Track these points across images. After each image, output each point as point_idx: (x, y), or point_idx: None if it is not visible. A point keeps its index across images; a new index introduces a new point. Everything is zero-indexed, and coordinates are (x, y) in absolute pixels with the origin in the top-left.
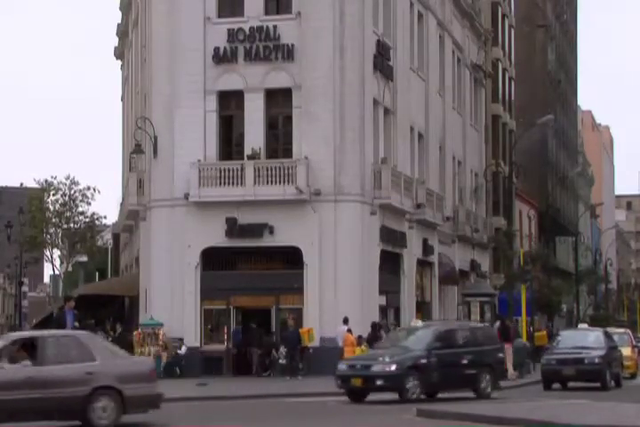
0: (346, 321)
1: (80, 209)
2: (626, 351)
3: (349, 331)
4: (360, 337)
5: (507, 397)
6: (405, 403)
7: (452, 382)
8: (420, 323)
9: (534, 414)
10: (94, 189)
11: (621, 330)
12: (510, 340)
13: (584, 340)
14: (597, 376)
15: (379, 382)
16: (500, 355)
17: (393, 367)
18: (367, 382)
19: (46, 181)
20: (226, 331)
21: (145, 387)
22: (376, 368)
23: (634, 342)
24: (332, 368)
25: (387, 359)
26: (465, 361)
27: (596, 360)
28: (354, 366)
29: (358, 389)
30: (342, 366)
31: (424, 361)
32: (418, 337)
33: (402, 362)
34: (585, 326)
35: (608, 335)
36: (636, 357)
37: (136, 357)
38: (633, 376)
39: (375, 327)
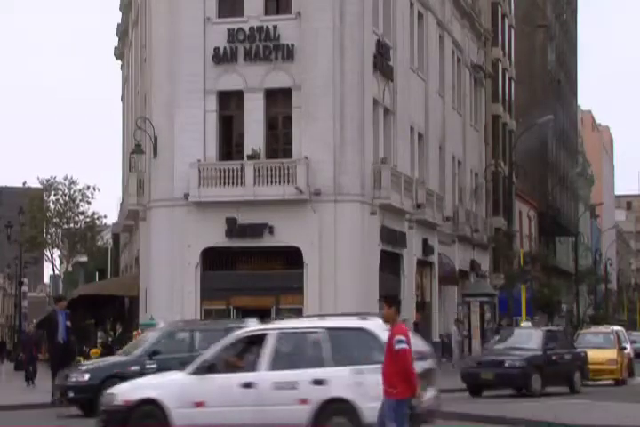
0: None
1: (80, 209)
2: (609, 354)
3: None
4: None
5: None
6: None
7: None
8: (161, 324)
9: (535, 414)
10: (94, 188)
11: (608, 329)
12: None
13: (520, 340)
14: (519, 381)
15: (70, 395)
16: None
17: (86, 377)
18: (63, 395)
19: (47, 180)
20: None
21: None
22: (73, 379)
23: (623, 344)
24: None
25: (84, 368)
26: None
27: (518, 364)
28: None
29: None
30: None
31: (135, 368)
32: (142, 341)
33: (99, 371)
34: (528, 324)
35: (552, 336)
36: (623, 360)
37: None
38: (619, 383)
39: None
